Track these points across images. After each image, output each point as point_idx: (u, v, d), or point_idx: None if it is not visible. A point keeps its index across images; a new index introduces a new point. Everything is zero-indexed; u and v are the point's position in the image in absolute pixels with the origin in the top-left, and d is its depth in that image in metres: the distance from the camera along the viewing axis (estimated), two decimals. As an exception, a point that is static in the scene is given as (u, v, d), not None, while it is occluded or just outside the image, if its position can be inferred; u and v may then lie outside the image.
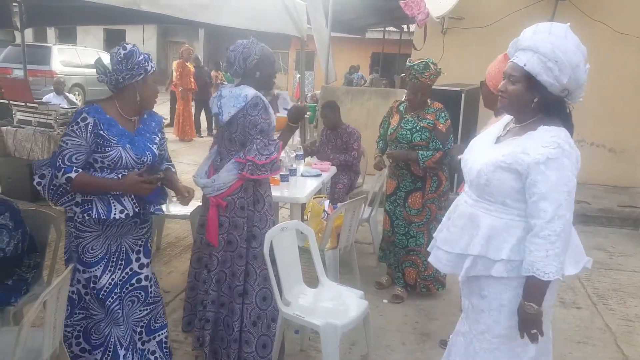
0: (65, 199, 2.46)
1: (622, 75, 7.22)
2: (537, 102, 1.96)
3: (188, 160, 8.80)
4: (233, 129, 2.84)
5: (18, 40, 7.99)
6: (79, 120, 2.34)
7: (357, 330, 3.07)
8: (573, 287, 4.51)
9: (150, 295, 2.71)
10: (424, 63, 3.77)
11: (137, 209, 2.50)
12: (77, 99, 11.61)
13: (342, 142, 5.35)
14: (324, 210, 4.06)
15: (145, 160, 2.51)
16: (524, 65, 1.92)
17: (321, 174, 4.52)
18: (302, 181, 4.28)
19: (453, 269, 2.14)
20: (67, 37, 21.42)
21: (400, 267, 4.05)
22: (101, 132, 2.37)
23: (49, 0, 6.23)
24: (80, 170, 2.37)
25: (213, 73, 13.46)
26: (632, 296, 4.40)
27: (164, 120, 2.78)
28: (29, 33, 14.10)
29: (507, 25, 7.04)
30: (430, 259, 2.26)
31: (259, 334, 2.93)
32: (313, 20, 6.57)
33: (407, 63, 3.86)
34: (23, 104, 6.26)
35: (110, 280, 2.54)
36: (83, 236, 2.47)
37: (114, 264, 2.58)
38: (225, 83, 12.26)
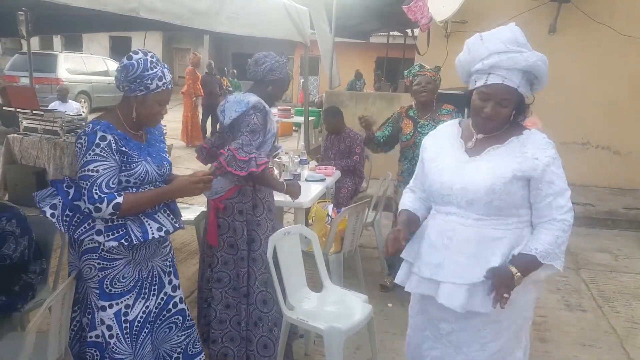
0: (83, 229, 2.16)
1: (626, 78, 7.21)
2: (514, 112, 1.97)
3: (194, 166, 8.82)
4: (235, 134, 2.90)
5: (25, 49, 8.05)
6: (97, 141, 2.08)
7: (361, 335, 3.07)
8: (578, 290, 4.50)
9: (187, 318, 2.53)
10: (417, 65, 3.89)
11: (176, 224, 2.33)
12: (82, 107, 11.70)
13: (346, 147, 5.37)
14: (328, 215, 4.06)
15: (164, 171, 2.34)
16: (518, 87, 1.88)
17: (325, 179, 4.53)
18: (306, 186, 4.29)
19: (471, 304, 1.96)
20: (73, 44, 21.57)
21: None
22: (122, 148, 2.15)
23: (54, 8, 6.27)
24: (122, 193, 2.12)
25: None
26: (638, 298, 4.38)
27: (164, 128, 2.58)
28: (35, 41, 14.23)
29: (510, 28, 7.05)
30: (443, 301, 1.99)
31: (260, 334, 2.99)
32: (316, 26, 6.59)
33: (405, 72, 3.94)
34: (29, 111, 6.31)
35: (144, 309, 2.31)
36: (113, 265, 2.20)
37: (147, 290, 2.35)
38: (231, 89, 12.34)
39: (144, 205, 2.21)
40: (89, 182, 2.07)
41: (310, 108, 8.08)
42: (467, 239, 1.97)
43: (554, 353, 3.47)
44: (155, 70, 2.15)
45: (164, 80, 2.18)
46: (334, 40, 7.58)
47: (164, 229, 2.27)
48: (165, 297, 2.44)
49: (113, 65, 16.44)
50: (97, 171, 2.07)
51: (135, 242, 2.17)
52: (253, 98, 2.88)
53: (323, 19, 6.90)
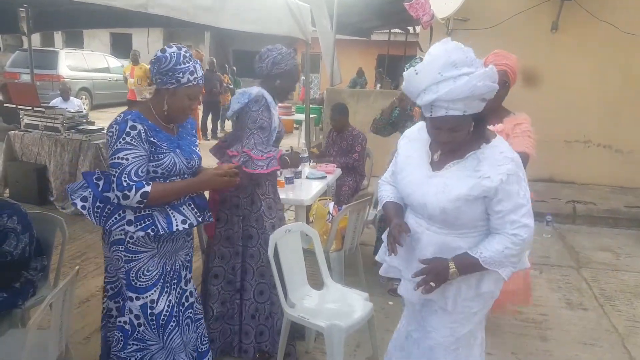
0: (114, 219, 2.20)
1: (628, 76, 7.18)
2: (473, 126, 1.89)
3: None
4: (238, 126, 2.95)
5: (25, 45, 8.05)
6: (128, 130, 2.12)
7: (362, 332, 3.07)
8: (579, 289, 4.49)
9: (197, 311, 2.58)
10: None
11: (199, 218, 2.36)
12: (84, 104, 11.69)
13: (347, 145, 5.37)
14: (329, 213, 4.06)
15: (193, 164, 2.37)
16: (464, 112, 1.80)
17: (326, 176, 4.53)
18: (307, 183, 4.29)
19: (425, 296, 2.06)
20: (74, 41, 21.54)
21: None
22: (152, 139, 2.18)
23: (55, 4, 6.27)
24: (150, 182, 2.16)
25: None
26: (639, 297, 4.37)
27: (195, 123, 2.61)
28: (36, 38, 14.22)
29: (512, 25, 7.04)
30: (402, 292, 2.22)
31: (257, 324, 3.04)
32: (318, 23, 6.58)
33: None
34: (30, 108, 6.31)
35: (167, 303, 2.35)
36: (138, 258, 2.25)
37: (169, 284, 2.38)
38: (232, 86, 12.33)
39: (171, 195, 2.25)
40: (119, 169, 2.11)
41: (311, 105, 8.06)
42: (430, 244, 2.04)
43: (554, 352, 3.47)
44: (187, 65, 2.19)
45: (195, 75, 2.22)
46: (335, 38, 7.57)
47: (188, 221, 2.30)
48: (181, 291, 2.47)
49: (114, 62, 16.45)
50: (127, 159, 2.11)
51: (161, 233, 2.21)
52: (255, 90, 2.89)
53: (324, 16, 6.89)
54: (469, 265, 1.94)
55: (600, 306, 4.18)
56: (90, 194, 2.24)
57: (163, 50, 2.19)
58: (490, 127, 2.85)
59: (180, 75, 2.18)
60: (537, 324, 3.83)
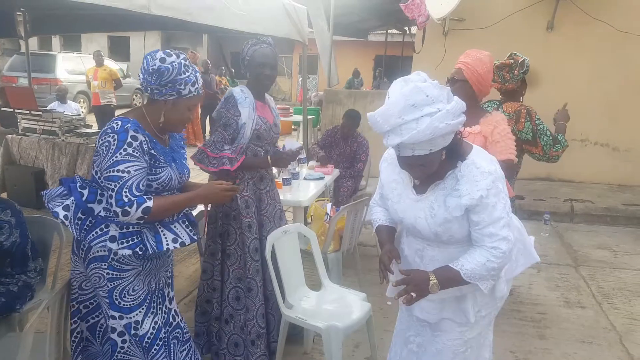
0: (94, 234, 2.02)
1: (624, 74, 7.20)
2: (446, 153, 1.87)
3: (192, 165, 8.82)
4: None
5: (23, 49, 8.05)
6: (129, 140, 1.95)
7: (360, 333, 3.08)
8: (577, 287, 4.50)
9: (185, 331, 2.40)
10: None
11: (194, 236, 2.20)
12: (82, 107, 11.68)
13: (351, 151, 5.38)
14: (327, 213, 4.07)
15: (184, 179, 2.26)
16: (430, 151, 1.78)
17: (324, 177, 4.54)
18: (304, 184, 4.30)
19: (443, 314, 2.09)
20: (72, 44, 21.55)
21: None
22: (152, 151, 2.04)
23: (53, 7, 6.27)
24: (151, 197, 2.01)
25: (217, 78, 13.50)
26: (637, 295, 4.38)
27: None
28: (34, 41, 14.20)
29: (508, 25, 7.06)
30: (416, 312, 2.15)
31: (230, 332, 2.99)
32: (314, 24, 6.58)
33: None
34: (28, 111, 6.31)
35: (153, 324, 2.17)
36: (122, 276, 2.08)
37: (155, 304, 2.22)
38: (229, 87, 12.34)
39: (173, 210, 2.11)
40: (119, 183, 1.94)
41: (308, 107, 8.06)
42: (435, 258, 2.03)
43: (553, 350, 3.48)
44: (188, 74, 2.05)
45: (196, 86, 2.09)
46: (332, 38, 7.57)
47: (180, 240, 2.13)
48: (166, 310, 2.32)
49: (112, 65, 16.43)
50: (129, 172, 1.95)
51: (150, 252, 2.05)
52: (230, 89, 2.92)
53: (321, 17, 6.89)
54: (450, 278, 1.90)
55: (598, 304, 4.19)
56: (73, 203, 2.05)
57: (163, 60, 2.00)
58: (468, 129, 2.86)
59: (182, 87, 2.04)
60: (535, 322, 3.83)
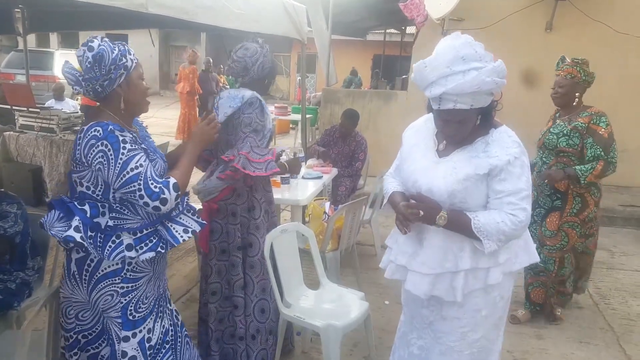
0: (109, 248, 1.91)
1: (622, 75, 7.21)
2: (480, 118, 1.94)
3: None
4: (229, 130, 2.77)
5: (21, 46, 8.02)
6: (121, 138, 1.88)
7: (359, 332, 3.08)
8: (575, 287, 4.50)
9: (184, 330, 2.36)
10: (560, 59, 3.68)
11: (202, 222, 2.18)
12: (79, 104, 11.65)
13: (350, 150, 5.38)
14: (325, 212, 4.07)
15: (166, 165, 2.20)
16: (471, 106, 1.84)
17: (322, 176, 4.53)
18: (303, 183, 4.30)
19: (434, 290, 2.05)
20: (70, 42, 21.50)
21: (526, 288, 3.80)
22: (142, 145, 2.01)
23: (51, 5, 6.26)
24: (164, 175, 2.01)
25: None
26: (634, 295, 4.39)
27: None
28: (32, 38, 14.17)
29: (507, 25, 7.05)
30: (408, 286, 2.12)
31: (258, 348, 2.91)
32: (313, 23, 6.58)
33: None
34: (25, 109, 6.29)
35: (161, 329, 2.12)
36: (137, 286, 2.01)
37: (162, 307, 2.18)
38: (227, 86, 12.33)
39: (189, 172, 2.07)
40: (141, 179, 1.87)
41: (307, 105, 8.07)
42: (437, 233, 2.03)
43: (550, 350, 3.48)
44: (117, 47, 1.95)
45: (131, 53, 1.98)
46: (330, 38, 7.57)
47: (190, 229, 2.11)
48: (169, 312, 2.26)
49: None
50: (142, 165, 1.89)
51: (170, 247, 2.03)
52: (247, 93, 2.75)
53: (320, 16, 6.89)
54: (459, 221, 1.92)
55: (596, 304, 4.19)
56: (80, 222, 1.90)
57: (91, 49, 1.89)
58: None
59: (123, 60, 1.93)
60: (532, 322, 3.84)
